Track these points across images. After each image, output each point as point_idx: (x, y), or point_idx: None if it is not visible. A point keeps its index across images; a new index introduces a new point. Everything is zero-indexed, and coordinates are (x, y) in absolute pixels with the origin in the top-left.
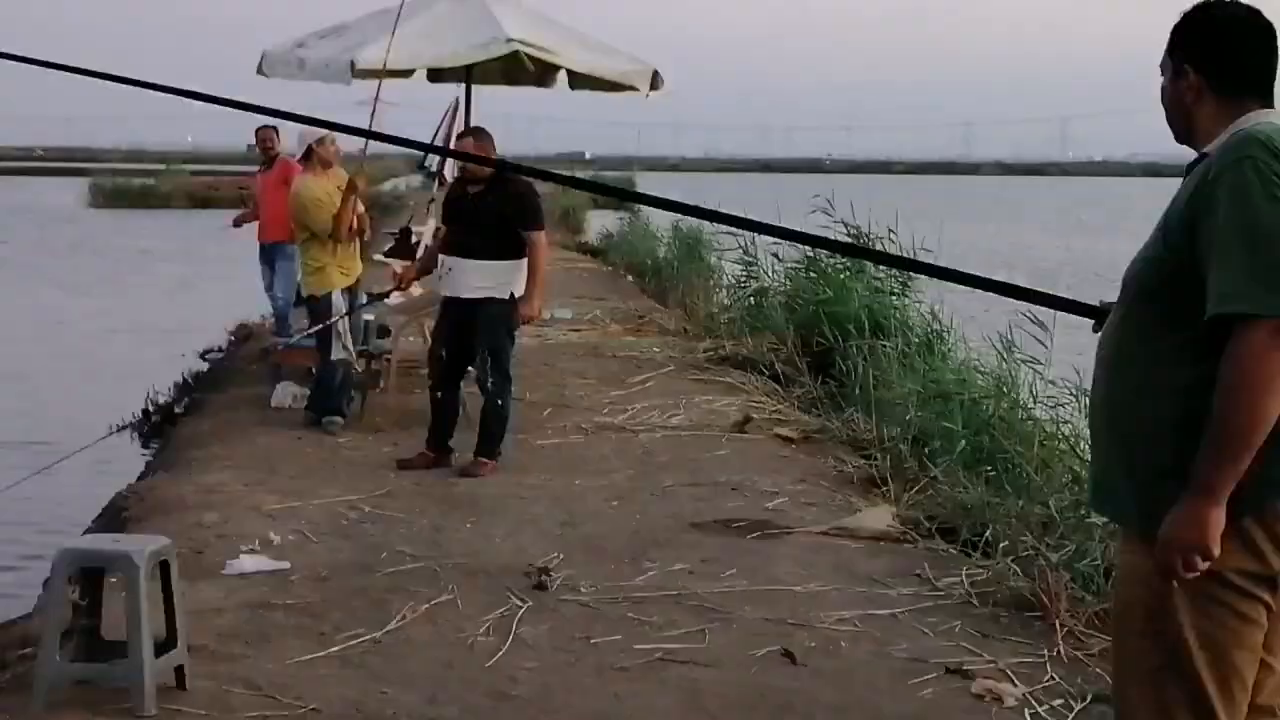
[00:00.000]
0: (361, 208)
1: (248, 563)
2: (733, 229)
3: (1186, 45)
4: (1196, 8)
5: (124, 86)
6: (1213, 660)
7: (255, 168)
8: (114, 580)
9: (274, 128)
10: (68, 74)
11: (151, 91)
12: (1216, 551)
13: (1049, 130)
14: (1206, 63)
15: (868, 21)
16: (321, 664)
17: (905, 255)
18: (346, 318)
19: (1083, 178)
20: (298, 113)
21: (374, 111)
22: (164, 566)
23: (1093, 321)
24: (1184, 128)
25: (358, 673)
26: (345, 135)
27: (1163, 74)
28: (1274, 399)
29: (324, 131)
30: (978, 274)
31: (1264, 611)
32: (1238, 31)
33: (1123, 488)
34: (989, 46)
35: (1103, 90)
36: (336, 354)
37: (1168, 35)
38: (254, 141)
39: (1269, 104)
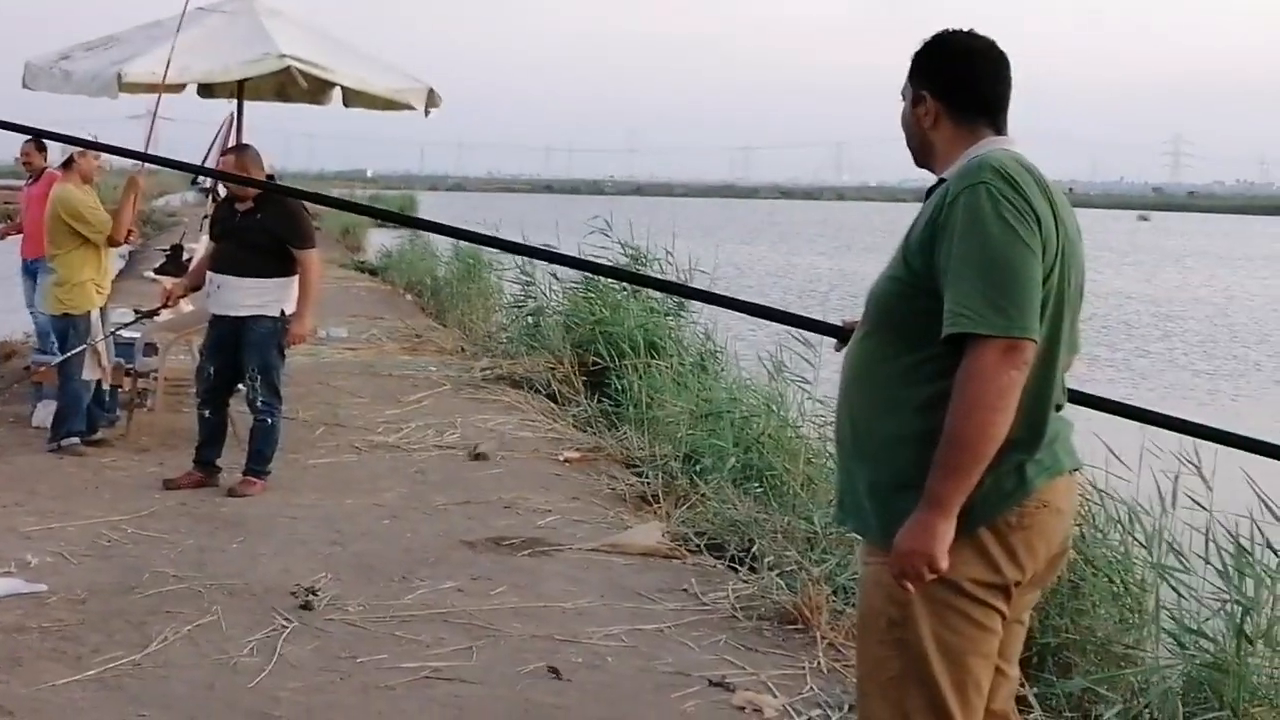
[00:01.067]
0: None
1: (1, 585)
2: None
3: (925, 72)
4: (935, 36)
5: None
6: (950, 667)
7: (21, 181)
8: None
9: (34, 142)
10: None
11: None
12: (944, 563)
13: (825, 155)
14: (944, 89)
15: (649, 43)
16: (77, 688)
17: (674, 279)
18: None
19: (857, 202)
20: (68, 133)
21: (151, 127)
22: None
23: (835, 340)
24: (922, 152)
25: (115, 695)
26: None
27: (903, 99)
28: (1002, 416)
29: None
30: (723, 295)
31: (998, 619)
32: (973, 60)
33: (865, 500)
34: (767, 71)
35: (876, 116)
36: (91, 374)
37: (910, 63)
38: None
39: (1002, 131)
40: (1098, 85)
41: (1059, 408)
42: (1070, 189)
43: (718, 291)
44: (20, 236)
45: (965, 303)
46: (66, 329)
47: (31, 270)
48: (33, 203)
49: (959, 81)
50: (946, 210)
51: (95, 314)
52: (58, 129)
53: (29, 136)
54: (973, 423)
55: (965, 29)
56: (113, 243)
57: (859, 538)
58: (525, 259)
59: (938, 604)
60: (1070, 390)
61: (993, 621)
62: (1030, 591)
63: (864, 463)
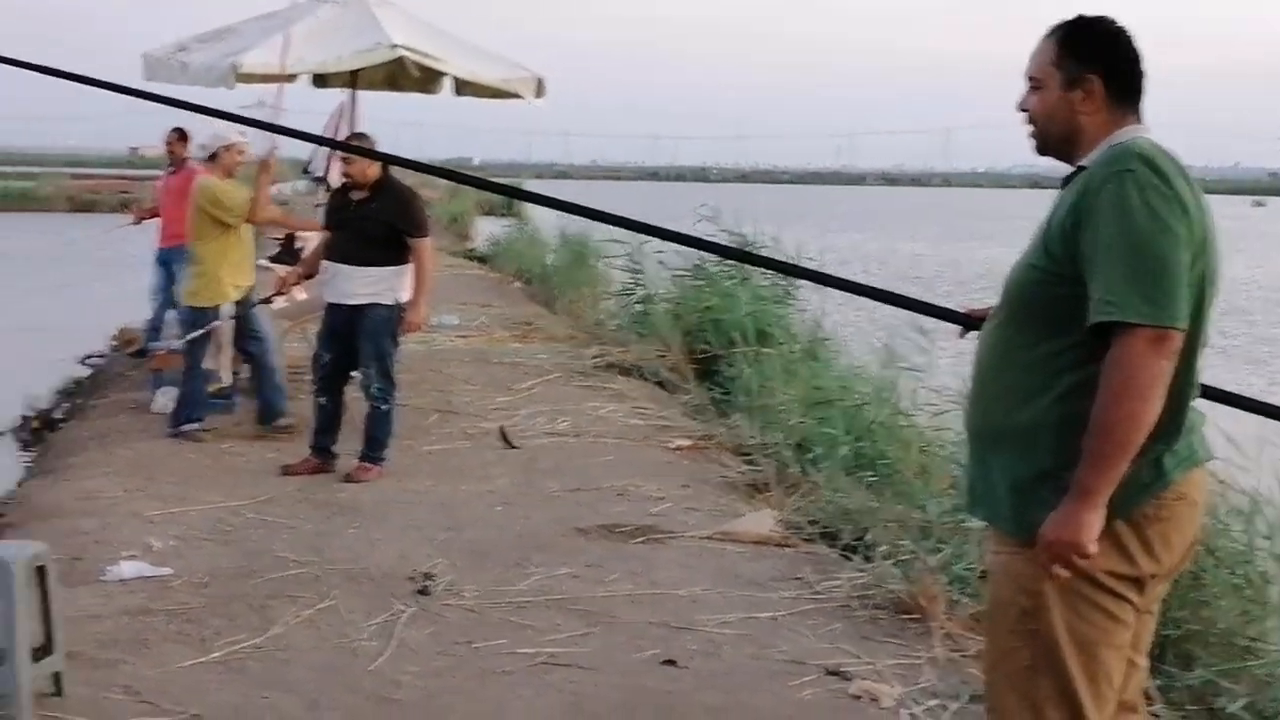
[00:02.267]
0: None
1: (127, 568)
2: (619, 236)
3: (1091, 54)
4: (1087, 19)
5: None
6: (1083, 658)
7: (135, 171)
8: None
9: (180, 130)
10: None
11: (25, 92)
12: (1093, 551)
13: (931, 141)
14: (1112, 71)
15: (751, 30)
16: (202, 670)
17: (786, 261)
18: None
19: (965, 189)
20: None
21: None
22: (41, 572)
23: (959, 328)
24: (1066, 138)
25: (238, 678)
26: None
27: (1037, 86)
28: (1152, 405)
29: (235, 138)
30: (850, 279)
31: (1131, 611)
32: (1130, 43)
33: (999, 489)
34: (872, 58)
35: (984, 101)
36: (212, 363)
37: (1051, 46)
38: (135, 145)
39: (1142, 119)
40: (1210, 70)
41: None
42: None
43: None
44: (158, 225)
45: (1114, 291)
46: (195, 321)
47: (165, 260)
48: (170, 193)
49: (1128, 64)
50: (1091, 197)
51: (226, 309)
52: (174, 120)
53: (177, 125)
54: (1122, 412)
55: (1103, 15)
56: (252, 223)
57: (984, 527)
58: (635, 245)
59: (1071, 595)
60: (1205, 385)
61: (1125, 613)
62: (1163, 583)
63: (999, 452)
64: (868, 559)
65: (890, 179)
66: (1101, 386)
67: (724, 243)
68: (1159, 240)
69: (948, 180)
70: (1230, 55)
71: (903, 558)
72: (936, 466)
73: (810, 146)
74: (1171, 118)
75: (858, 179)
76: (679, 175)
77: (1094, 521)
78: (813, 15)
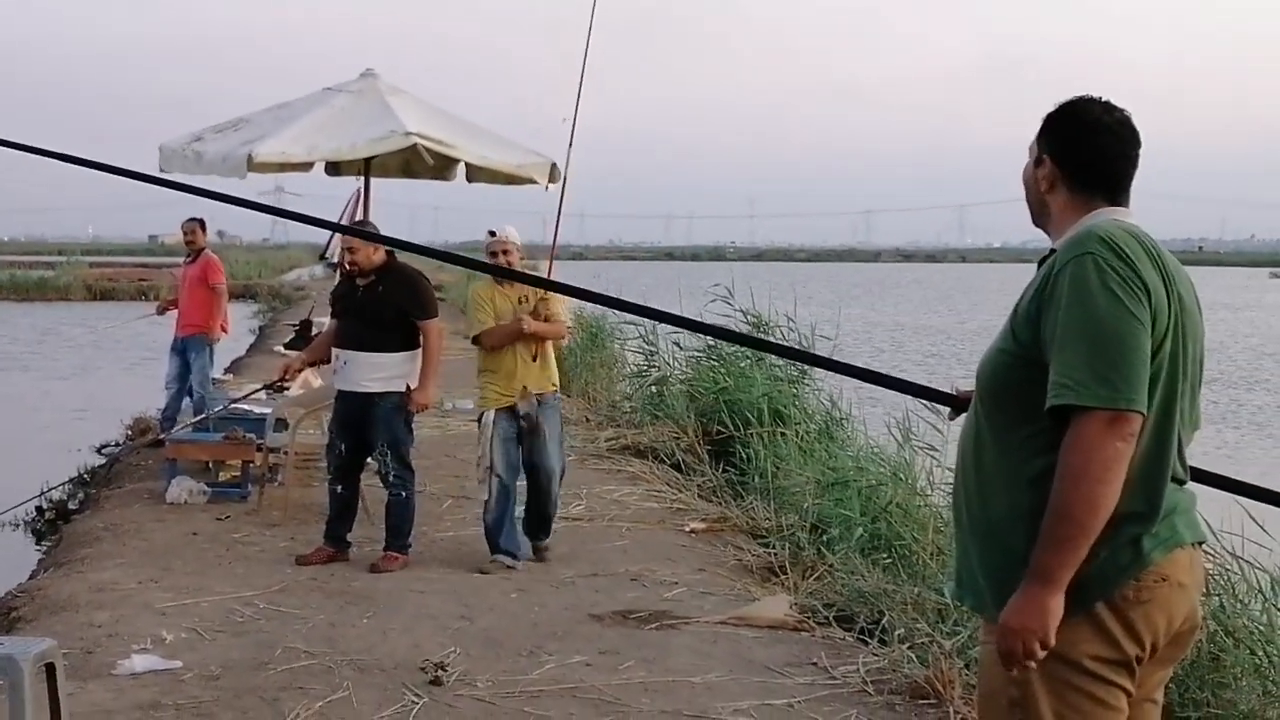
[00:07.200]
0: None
1: (139, 662)
2: (634, 319)
3: (1051, 137)
4: (1070, 102)
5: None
6: None
7: (153, 259)
8: None
9: (199, 221)
10: None
11: (53, 185)
12: (1052, 639)
13: (947, 218)
14: (1063, 156)
15: (766, 110)
16: None
17: (794, 345)
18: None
19: (980, 264)
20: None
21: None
22: (49, 668)
23: (949, 409)
24: (1037, 212)
25: None
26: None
27: (1030, 155)
28: (1108, 488)
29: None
30: (838, 360)
31: (1123, 697)
32: (1100, 135)
33: (980, 577)
34: (889, 135)
35: (998, 178)
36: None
37: (1042, 122)
38: (155, 233)
39: (1119, 204)
40: (1228, 144)
41: (1180, 481)
42: (1200, 247)
43: (837, 358)
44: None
45: (1070, 374)
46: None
47: (181, 348)
48: (188, 282)
49: (1081, 153)
50: (1053, 281)
51: (489, 415)
52: (191, 210)
53: (193, 215)
54: (1078, 495)
55: (1103, 99)
56: (478, 344)
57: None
58: (650, 326)
59: (1058, 683)
60: (1194, 468)
61: (1116, 699)
62: (1160, 669)
63: (978, 539)
64: (883, 642)
65: (906, 255)
66: (1058, 469)
67: (737, 324)
68: (1116, 323)
69: (963, 256)
70: (1244, 127)
71: (919, 641)
72: (952, 547)
73: (825, 224)
74: (1182, 191)
75: (874, 255)
76: (694, 255)
77: (1054, 607)
78: (822, 95)
